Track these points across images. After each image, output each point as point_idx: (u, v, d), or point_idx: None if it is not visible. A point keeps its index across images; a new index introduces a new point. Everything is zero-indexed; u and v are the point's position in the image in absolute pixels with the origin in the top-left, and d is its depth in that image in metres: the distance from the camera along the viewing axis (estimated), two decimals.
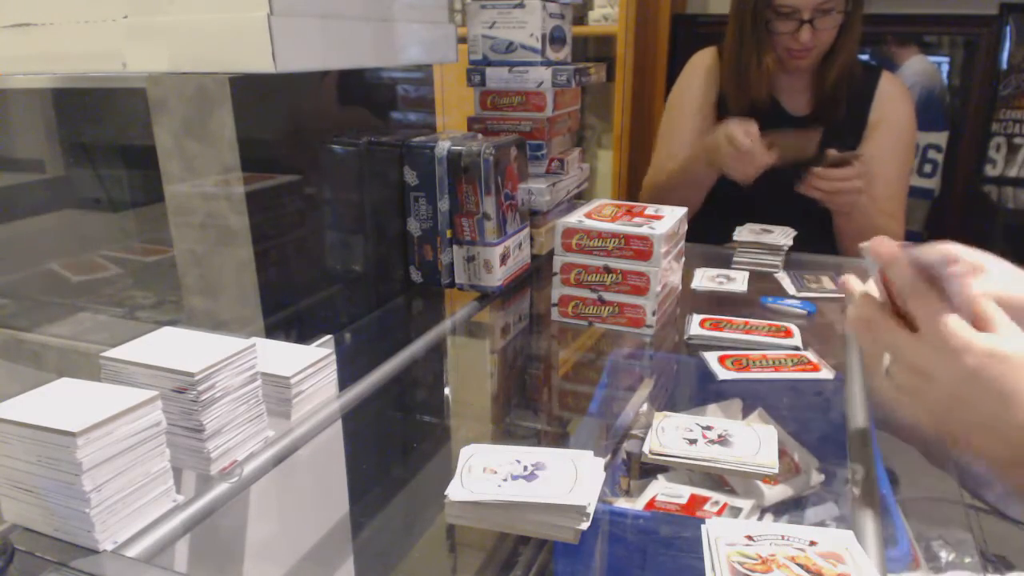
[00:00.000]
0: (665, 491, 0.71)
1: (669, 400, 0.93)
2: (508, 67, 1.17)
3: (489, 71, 1.18)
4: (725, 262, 1.22)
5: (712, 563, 0.52)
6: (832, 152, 1.23)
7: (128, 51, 0.76)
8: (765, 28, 1.32)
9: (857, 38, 1.34)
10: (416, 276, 1.09)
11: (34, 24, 0.80)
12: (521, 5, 1.13)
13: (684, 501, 0.69)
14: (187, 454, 0.60)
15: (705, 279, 1.14)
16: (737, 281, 1.14)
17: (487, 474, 0.60)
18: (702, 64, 1.49)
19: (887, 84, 1.41)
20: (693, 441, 0.69)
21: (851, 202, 1.25)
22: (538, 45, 1.14)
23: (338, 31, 0.81)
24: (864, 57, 2.15)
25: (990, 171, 2.18)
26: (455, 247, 1.05)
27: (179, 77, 0.77)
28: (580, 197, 1.33)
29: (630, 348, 0.97)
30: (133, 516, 0.54)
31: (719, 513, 0.67)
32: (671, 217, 0.98)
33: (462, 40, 1.08)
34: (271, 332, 0.85)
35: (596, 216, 0.98)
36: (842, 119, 1.38)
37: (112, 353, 0.60)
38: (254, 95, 0.80)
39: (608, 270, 0.95)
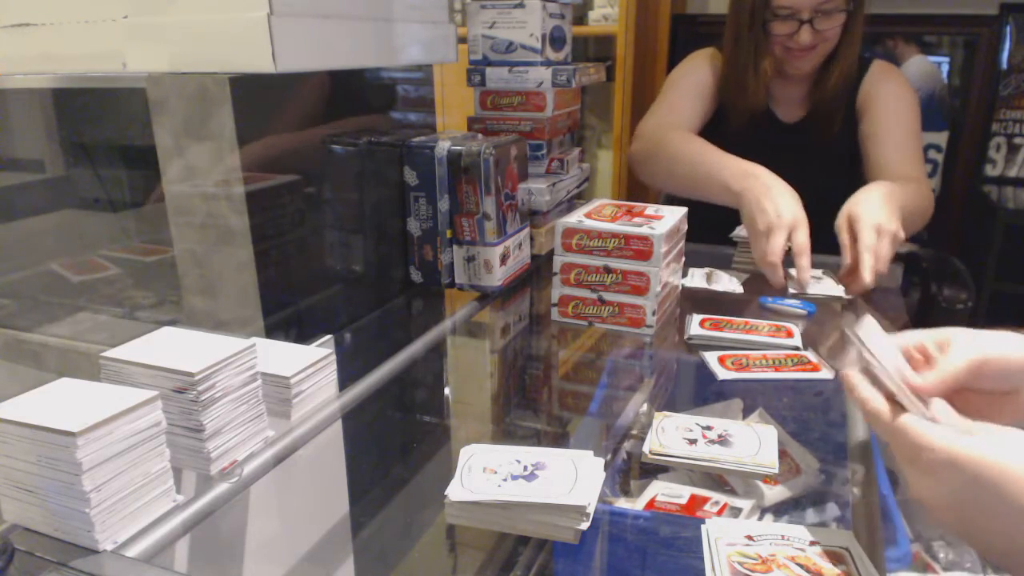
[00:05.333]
0: (665, 491, 0.71)
1: (669, 400, 0.93)
2: (508, 67, 1.17)
3: (489, 71, 1.18)
4: (725, 262, 1.22)
5: (712, 563, 0.52)
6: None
7: (128, 51, 0.76)
8: (763, 31, 1.29)
9: (858, 42, 1.30)
10: (416, 276, 1.09)
11: (34, 24, 0.80)
12: (521, 5, 1.13)
13: (684, 501, 0.69)
14: (187, 454, 0.60)
15: (705, 279, 1.14)
16: (736, 281, 1.14)
17: (487, 474, 0.60)
18: (706, 56, 1.45)
19: (873, 68, 1.36)
20: (693, 441, 0.69)
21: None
22: (538, 45, 1.14)
23: (338, 31, 0.81)
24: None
25: (990, 171, 2.18)
26: (455, 247, 1.05)
27: (179, 77, 0.77)
28: (580, 197, 1.33)
29: (630, 348, 0.97)
30: (133, 516, 0.54)
31: (719, 513, 0.67)
32: (671, 217, 0.98)
33: (462, 40, 1.08)
34: (271, 332, 0.85)
35: (596, 216, 0.98)
36: (835, 127, 1.35)
37: (112, 353, 0.60)
38: (254, 95, 0.80)
39: (608, 270, 0.95)
